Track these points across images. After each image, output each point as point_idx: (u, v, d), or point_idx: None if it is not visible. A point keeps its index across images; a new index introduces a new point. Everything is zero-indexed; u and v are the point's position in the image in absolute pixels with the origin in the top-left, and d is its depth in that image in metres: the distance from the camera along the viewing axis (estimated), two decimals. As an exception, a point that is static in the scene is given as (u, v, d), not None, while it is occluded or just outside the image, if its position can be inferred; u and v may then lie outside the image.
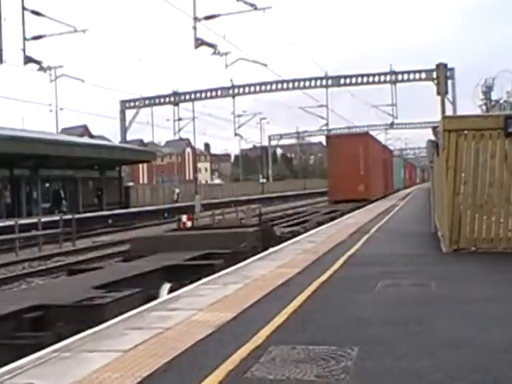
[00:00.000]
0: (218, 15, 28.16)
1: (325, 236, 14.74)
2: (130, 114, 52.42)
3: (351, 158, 31.61)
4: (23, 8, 24.78)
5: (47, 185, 37.73)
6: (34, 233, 22.66)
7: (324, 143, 48.23)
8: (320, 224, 19.64)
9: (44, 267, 17.62)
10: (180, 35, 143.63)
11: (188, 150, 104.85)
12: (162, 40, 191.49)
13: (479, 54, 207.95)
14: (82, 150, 36.80)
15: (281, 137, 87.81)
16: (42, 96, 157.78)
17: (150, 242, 13.46)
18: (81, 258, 19.53)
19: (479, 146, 10.49)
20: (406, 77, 47.10)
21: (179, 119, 51.98)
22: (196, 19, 26.71)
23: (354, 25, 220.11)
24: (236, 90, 49.93)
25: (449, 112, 24.55)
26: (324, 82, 48.66)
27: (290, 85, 49.30)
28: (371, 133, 45.55)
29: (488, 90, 32.74)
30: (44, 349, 5.02)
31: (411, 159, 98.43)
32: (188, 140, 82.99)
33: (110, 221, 34.52)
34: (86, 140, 51.70)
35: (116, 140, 55.33)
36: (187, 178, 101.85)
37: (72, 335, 5.45)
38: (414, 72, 46.64)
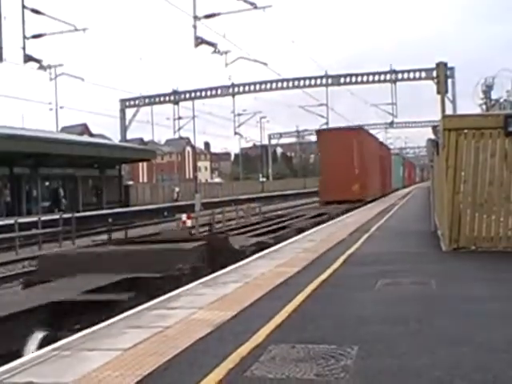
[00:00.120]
0: (218, 14, 28.17)
1: (325, 235, 14.74)
2: (129, 112, 52.51)
3: (344, 154, 28.95)
4: (23, 6, 24.77)
5: (47, 183, 37.76)
6: (33, 231, 22.68)
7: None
8: (301, 231, 16.74)
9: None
10: (180, 34, 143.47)
11: (188, 148, 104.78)
12: (162, 39, 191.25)
13: (480, 48, 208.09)
14: (82, 148, 36.81)
15: (281, 136, 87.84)
16: (42, 94, 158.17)
17: (61, 261, 10.55)
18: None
19: (479, 145, 10.49)
20: (406, 76, 47.08)
21: (179, 118, 52.04)
22: (196, 18, 26.71)
23: (354, 21, 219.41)
24: (236, 89, 49.91)
25: (449, 111, 24.55)
26: (324, 80, 48.65)
27: (290, 84, 49.29)
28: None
29: (488, 89, 32.75)
30: None
31: (411, 158, 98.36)
32: (188, 139, 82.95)
33: (109, 219, 34.50)
34: (85, 138, 51.69)
35: (116, 139, 55.40)
36: (187, 176, 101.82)
37: None
38: (414, 71, 46.63)
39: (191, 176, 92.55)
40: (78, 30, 29.27)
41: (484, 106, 32.89)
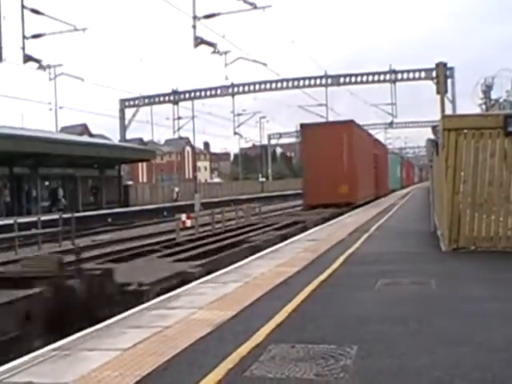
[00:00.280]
0: (218, 14, 28.14)
1: (325, 235, 14.75)
2: (129, 112, 52.41)
3: (332, 151, 25.89)
4: (23, 6, 24.72)
5: (47, 183, 37.77)
6: (33, 231, 22.66)
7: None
8: (256, 251, 12.46)
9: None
10: (179, 34, 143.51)
11: (187, 148, 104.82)
12: (162, 39, 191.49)
13: (479, 48, 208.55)
14: (82, 148, 36.79)
15: (280, 136, 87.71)
16: (42, 94, 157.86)
17: None
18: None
19: (479, 145, 10.49)
20: (405, 76, 47.06)
21: (179, 118, 51.95)
22: (195, 18, 26.68)
23: (353, 21, 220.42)
24: (235, 89, 49.88)
25: (448, 111, 24.58)
26: (323, 80, 48.62)
27: (290, 84, 49.25)
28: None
29: (488, 89, 32.79)
30: None
31: (411, 158, 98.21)
32: (187, 139, 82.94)
33: (109, 219, 34.52)
34: (85, 139, 51.71)
35: (115, 139, 55.31)
36: (187, 176, 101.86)
37: None
38: (414, 71, 46.61)
39: (191, 176, 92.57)
40: (77, 30, 29.21)
41: (484, 106, 32.94)
